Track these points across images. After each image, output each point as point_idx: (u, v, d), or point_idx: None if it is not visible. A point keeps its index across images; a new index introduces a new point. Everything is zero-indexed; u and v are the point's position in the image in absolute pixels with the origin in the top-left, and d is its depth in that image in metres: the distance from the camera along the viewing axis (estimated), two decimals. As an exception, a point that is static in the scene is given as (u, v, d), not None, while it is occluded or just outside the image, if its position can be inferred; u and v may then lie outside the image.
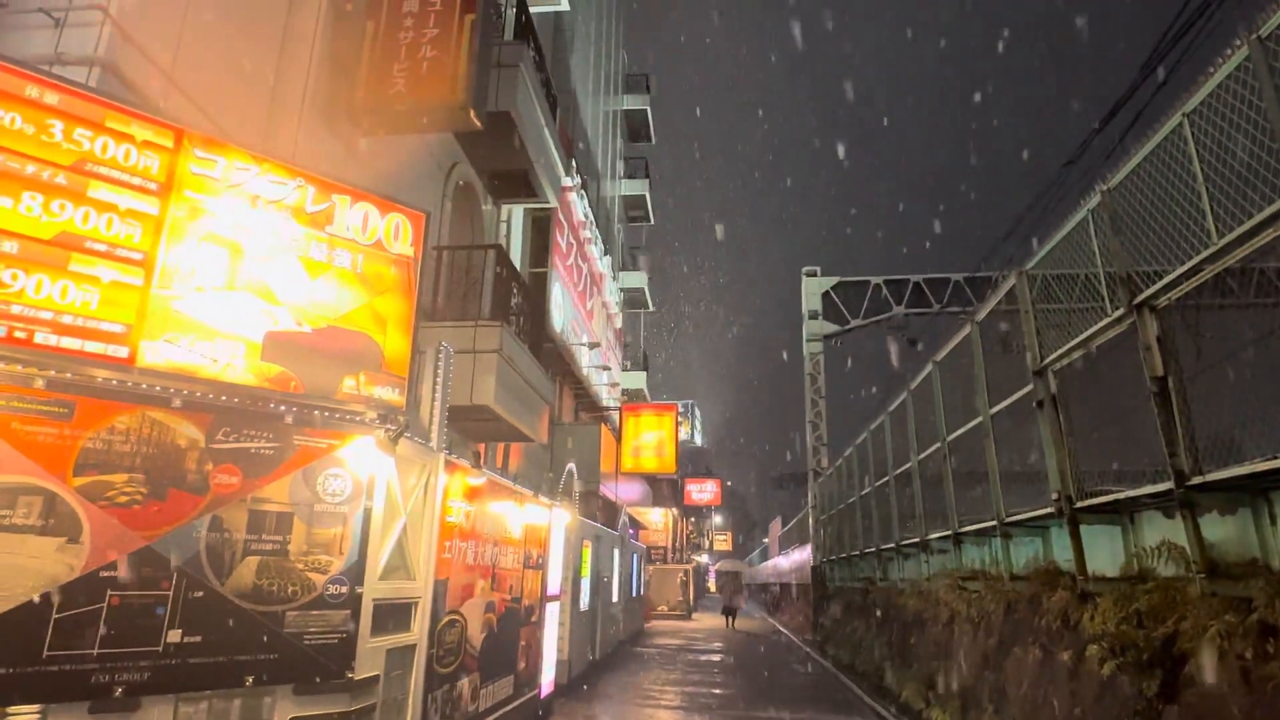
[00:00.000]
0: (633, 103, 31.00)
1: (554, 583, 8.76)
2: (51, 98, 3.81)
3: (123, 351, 3.83)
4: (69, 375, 3.68)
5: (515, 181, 10.95)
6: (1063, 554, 5.92)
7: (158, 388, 3.91)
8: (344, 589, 4.36)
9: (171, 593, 3.75)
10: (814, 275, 22.63)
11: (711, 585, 56.70)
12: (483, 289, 8.70)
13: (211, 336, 4.13)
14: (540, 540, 8.14)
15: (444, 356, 5.61)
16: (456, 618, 5.75)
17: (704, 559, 56.04)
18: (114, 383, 3.80)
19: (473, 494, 6.12)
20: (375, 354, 4.77)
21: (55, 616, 3.42)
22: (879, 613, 12.21)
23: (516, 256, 12.42)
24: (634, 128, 31.82)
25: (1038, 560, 6.36)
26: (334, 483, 4.43)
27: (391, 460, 4.78)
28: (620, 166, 28.87)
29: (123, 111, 4.06)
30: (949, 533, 8.31)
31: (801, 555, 24.47)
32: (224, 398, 4.12)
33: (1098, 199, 4.98)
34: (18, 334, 3.54)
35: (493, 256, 8.86)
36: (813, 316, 22.15)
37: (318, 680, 4.19)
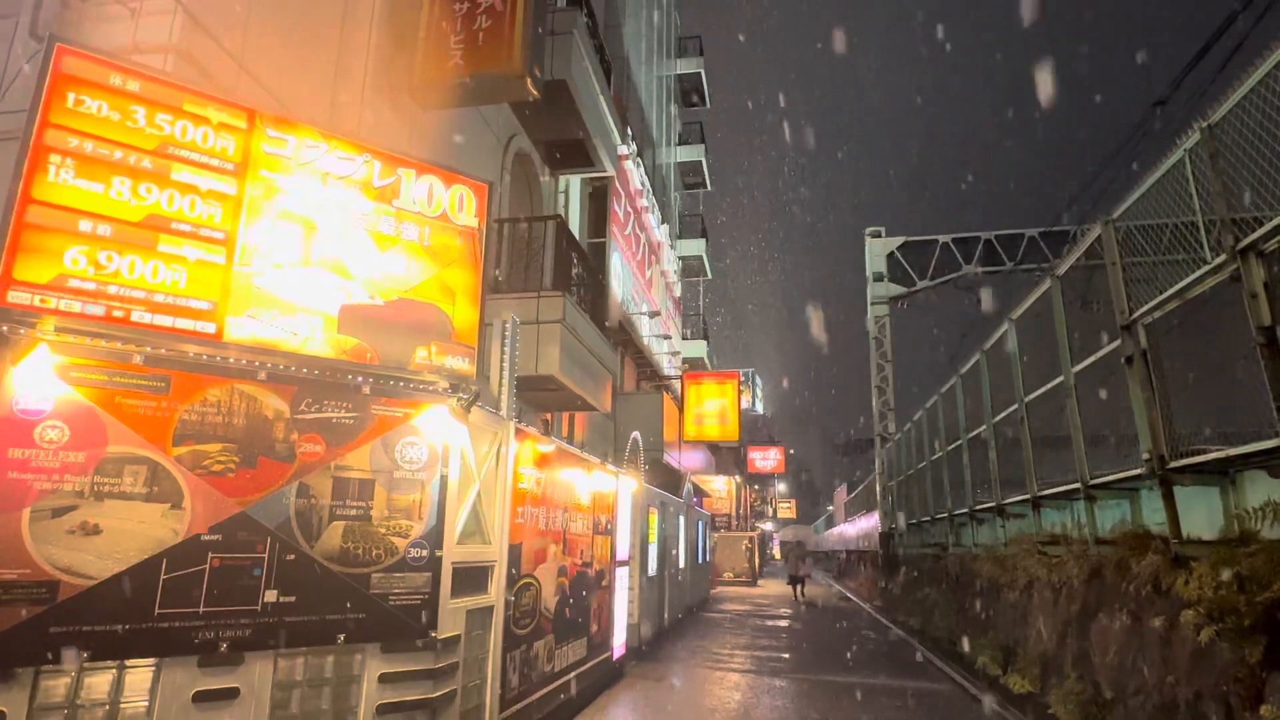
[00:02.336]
0: (686, 66, 30.37)
1: (623, 548, 8.88)
2: (133, 85, 3.95)
3: (210, 327, 4.00)
4: (163, 351, 3.87)
5: (572, 151, 10.93)
6: (1153, 517, 5.65)
7: (244, 361, 4.08)
8: (424, 552, 4.51)
9: (266, 555, 3.95)
10: (878, 236, 21.96)
11: (776, 553, 56.62)
12: (544, 260, 8.76)
13: (291, 311, 4.27)
14: (608, 507, 8.25)
15: (511, 326, 5.67)
16: (531, 581, 5.89)
17: (768, 526, 55.97)
18: (204, 357, 3.98)
19: (542, 461, 6.22)
20: (445, 324, 4.86)
21: (164, 577, 3.64)
22: (952, 579, 11.98)
23: (575, 227, 12.44)
24: (688, 92, 31.24)
25: (1125, 524, 6.09)
26: (411, 450, 4.56)
27: (465, 428, 4.89)
28: (675, 133, 28.45)
29: (199, 95, 4.18)
30: (1027, 497, 8.04)
31: (868, 522, 24.17)
32: (305, 370, 4.27)
33: (1196, 137, 4.63)
34: (115, 313, 3.74)
35: (553, 227, 8.89)
36: (877, 278, 21.54)
37: (404, 639, 4.36)
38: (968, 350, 11.24)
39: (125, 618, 3.53)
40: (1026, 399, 7.95)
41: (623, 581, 8.89)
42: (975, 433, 10.12)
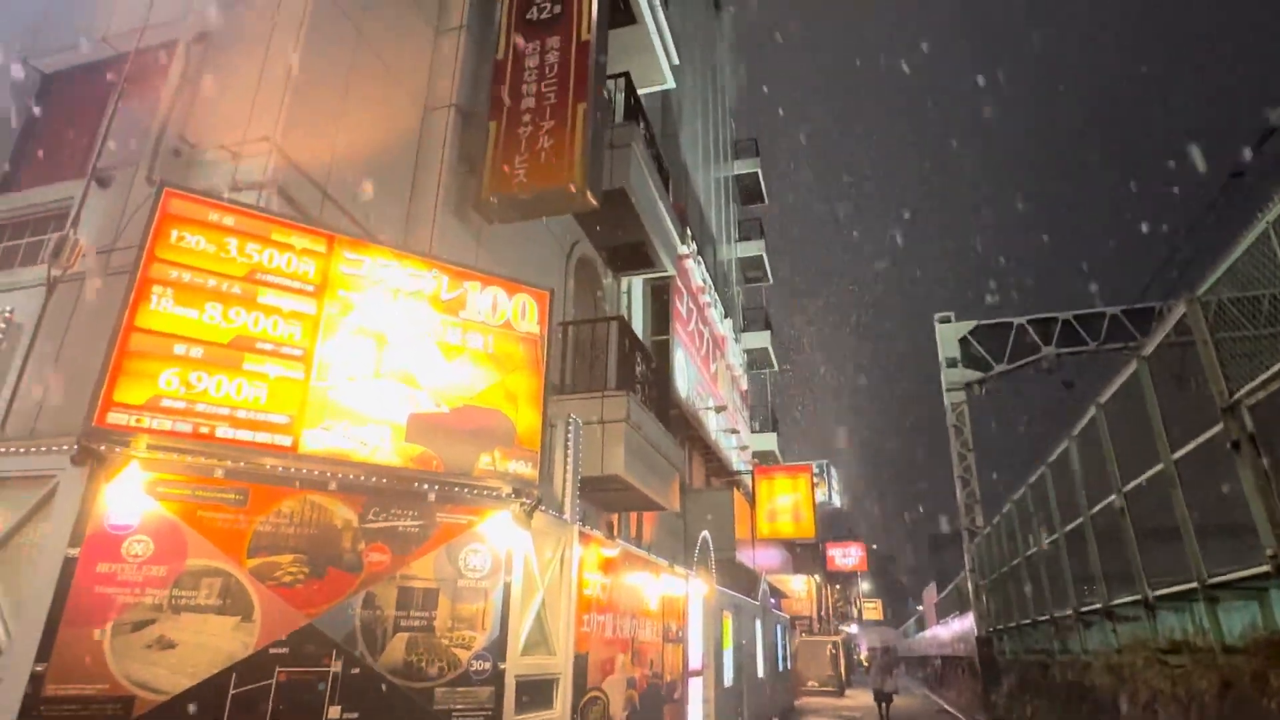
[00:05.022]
0: (743, 167, 31.44)
1: (695, 657, 8.47)
2: (228, 220, 4.34)
3: (286, 440, 4.17)
4: (243, 464, 4.04)
5: (633, 254, 11.27)
6: (1289, 621, 5.03)
7: (317, 472, 4.21)
8: (487, 665, 4.40)
9: (331, 669, 3.93)
10: (948, 321, 21.46)
11: (864, 658, 52.81)
12: (608, 360, 8.89)
13: (362, 422, 4.42)
14: (678, 612, 7.94)
15: (574, 428, 5.71)
16: (599, 694, 5.64)
17: (853, 629, 52.57)
18: (280, 470, 4.13)
19: (608, 565, 6.09)
20: (508, 430, 4.93)
21: (233, 692, 3.66)
22: (1062, 691, 10.85)
23: (638, 326, 12.66)
24: (746, 191, 32.17)
25: (1256, 628, 5.43)
26: (474, 558, 4.55)
27: (528, 534, 4.86)
28: (735, 230, 29.13)
29: (285, 225, 4.55)
30: (1138, 598, 7.32)
31: (962, 624, 22.42)
32: (374, 479, 4.37)
33: (1279, 209, 4.41)
34: (202, 429, 3.95)
35: (615, 328, 9.06)
36: (951, 364, 20.87)
37: (466, 759, 4.20)
38: (1056, 435, 10.63)
39: (194, 734, 3.53)
40: (1125, 489, 7.38)
41: (697, 693, 8.42)
42: (1071, 526, 9.40)
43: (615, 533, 9.65)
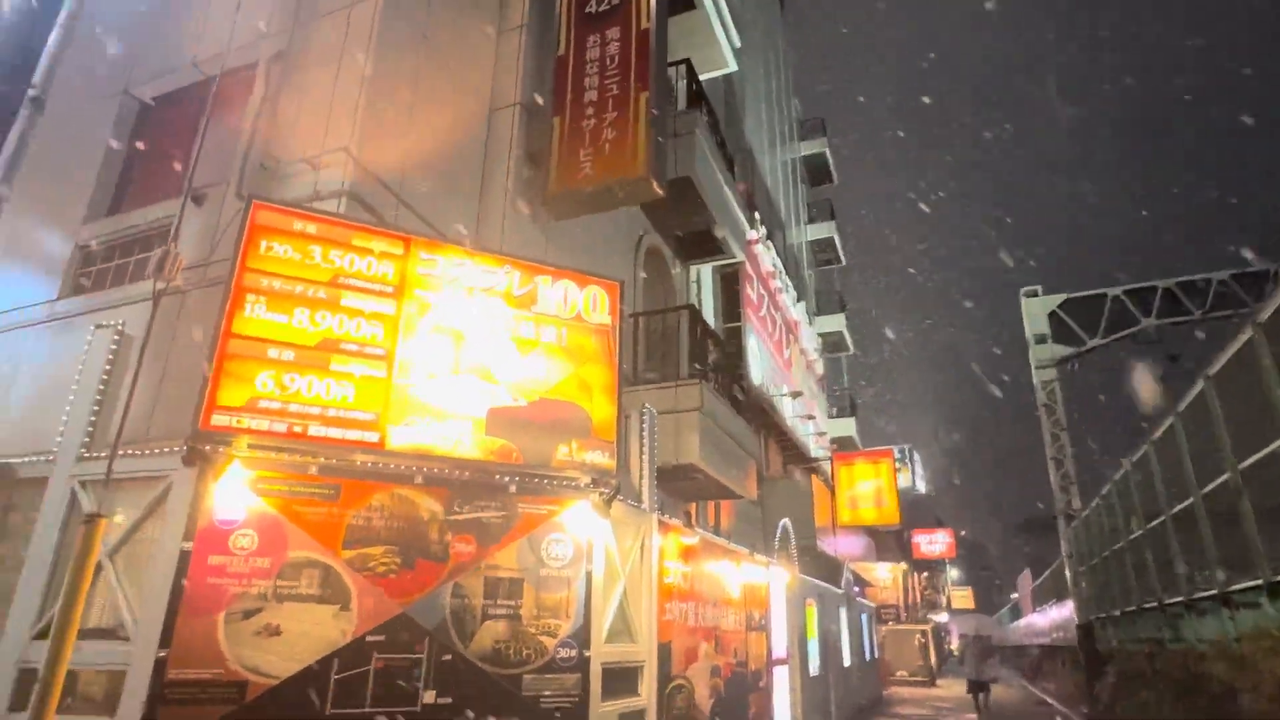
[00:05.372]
0: (810, 148, 30.73)
1: (779, 645, 8.39)
2: (311, 228, 4.53)
3: (373, 437, 4.33)
4: (334, 461, 4.23)
5: (701, 241, 11.19)
6: None
7: (403, 466, 4.36)
8: (573, 652, 4.48)
9: (425, 656, 4.08)
10: (1034, 295, 20.40)
11: (955, 648, 51.11)
12: (679, 349, 8.87)
13: (444, 417, 4.55)
14: (761, 600, 7.88)
15: (649, 418, 5.72)
16: (683, 682, 5.66)
17: (943, 618, 50.94)
18: (369, 465, 4.30)
19: (688, 554, 6.09)
20: (584, 421, 4.98)
21: (335, 677, 3.85)
22: (1175, 682, 10.21)
23: (709, 314, 12.58)
24: (814, 172, 31.45)
25: (1401, 616, 4.96)
26: (556, 548, 4.62)
27: (607, 523, 4.91)
28: (805, 212, 28.55)
29: (364, 230, 4.72)
30: (1258, 582, 6.80)
31: (1061, 612, 21.42)
32: (458, 472, 4.50)
33: None
34: (295, 428, 4.15)
35: (686, 317, 9.03)
36: (1040, 340, 19.83)
37: (556, 744, 4.29)
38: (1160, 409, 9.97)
39: (301, 715, 3.73)
40: (1241, 466, 6.85)
41: (782, 682, 8.35)
42: (1180, 507, 8.81)
43: (693, 521, 9.64)
